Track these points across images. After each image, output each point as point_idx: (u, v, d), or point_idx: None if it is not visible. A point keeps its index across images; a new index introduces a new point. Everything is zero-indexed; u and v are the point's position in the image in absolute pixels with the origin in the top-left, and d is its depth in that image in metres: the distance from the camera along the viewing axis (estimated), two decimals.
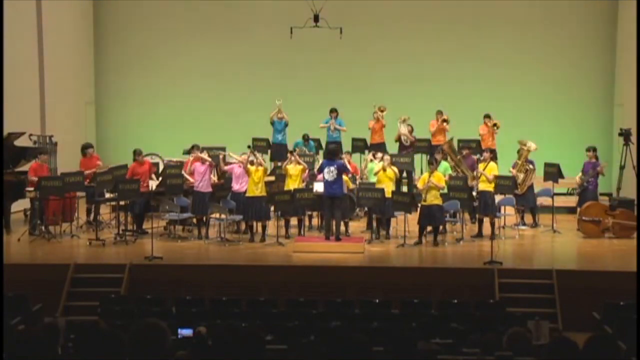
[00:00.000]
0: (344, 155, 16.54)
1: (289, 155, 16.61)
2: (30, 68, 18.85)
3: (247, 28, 21.56)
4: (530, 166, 16.61)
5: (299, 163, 15.94)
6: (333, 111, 19.07)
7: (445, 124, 18.72)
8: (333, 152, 15.48)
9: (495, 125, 18.53)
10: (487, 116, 18.71)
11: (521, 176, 16.49)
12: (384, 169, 15.57)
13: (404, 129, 18.63)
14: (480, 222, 15.82)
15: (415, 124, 18.89)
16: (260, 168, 15.45)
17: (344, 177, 15.29)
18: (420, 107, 20.07)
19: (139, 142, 16.99)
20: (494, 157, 17.58)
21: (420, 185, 15.29)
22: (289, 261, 14.19)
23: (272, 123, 19.08)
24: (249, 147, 16.09)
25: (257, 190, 15.32)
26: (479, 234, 15.70)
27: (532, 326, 10.28)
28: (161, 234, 15.91)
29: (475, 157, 16.50)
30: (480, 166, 15.84)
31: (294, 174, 15.77)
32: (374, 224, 15.76)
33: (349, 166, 15.76)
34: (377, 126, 18.96)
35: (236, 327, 6.06)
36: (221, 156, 16.54)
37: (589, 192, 16.52)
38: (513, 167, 16.76)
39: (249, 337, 5.41)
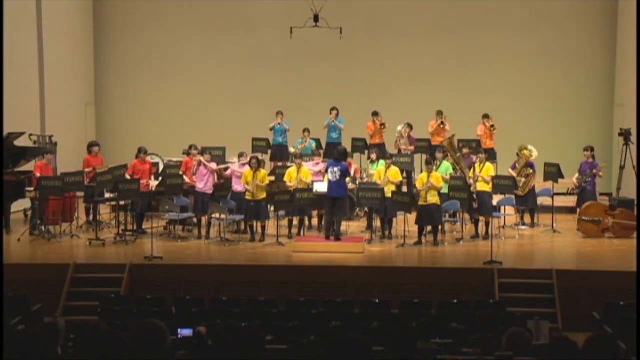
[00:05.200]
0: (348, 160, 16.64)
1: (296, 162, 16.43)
2: (30, 68, 18.85)
3: (247, 28, 21.55)
4: (530, 170, 16.59)
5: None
6: (333, 109, 19.07)
7: (442, 126, 18.68)
8: (343, 154, 15.43)
9: (492, 126, 18.53)
10: (486, 116, 18.70)
11: (522, 180, 16.50)
12: (389, 166, 15.62)
13: (403, 144, 18.52)
14: (477, 222, 15.83)
15: (415, 124, 18.87)
16: (259, 181, 15.37)
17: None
18: (420, 107, 20.08)
19: (139, 142, 16.97)
20: (491, 157, 17.59)
21: (419, 185, 15.32)
22: (289, 261, 14.19)
23: (273, 128, 19.02)
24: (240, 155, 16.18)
25: (253, 195, 15.33)
26: (477, 235, 15.72)
27: (532, 326, 10.28)
28: (161, 234, 15.91)
29: (473, 157, 16.50)
30: (477, 167, 15.88)
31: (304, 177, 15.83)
32: (376, 223, 15.78)
33: (351, 170, 15.77)
34: (377, 130, 18.83)
35: (236, 327, 6.06)
36: (222, 169, 16.51)
37: (588, 192, 16.51)
38: (512, 169, 16.76)
39: (249, 337, 5.42)
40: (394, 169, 15.80)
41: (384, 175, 15.63)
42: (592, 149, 16.81)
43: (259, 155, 17.11)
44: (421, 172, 18.23)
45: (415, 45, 21.36)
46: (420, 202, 15.07)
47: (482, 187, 15.63)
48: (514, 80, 21.19)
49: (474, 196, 15.56)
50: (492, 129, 18.52)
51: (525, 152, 16.76)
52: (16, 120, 16.93)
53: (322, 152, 17.96)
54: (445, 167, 16.06)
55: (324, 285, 13.15)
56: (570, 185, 17.76)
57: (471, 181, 15.81)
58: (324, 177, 15.56)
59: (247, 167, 15.64)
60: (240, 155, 16.18)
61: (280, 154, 18.95)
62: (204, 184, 15.67)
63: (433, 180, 15.04)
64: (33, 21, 18.88)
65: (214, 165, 15.89)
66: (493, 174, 15.93)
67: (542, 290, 12.93)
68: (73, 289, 13.17)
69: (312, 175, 15.98)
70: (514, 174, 16.55)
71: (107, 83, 22.05)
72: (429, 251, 14.90)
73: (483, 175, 15.63)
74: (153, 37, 21.76)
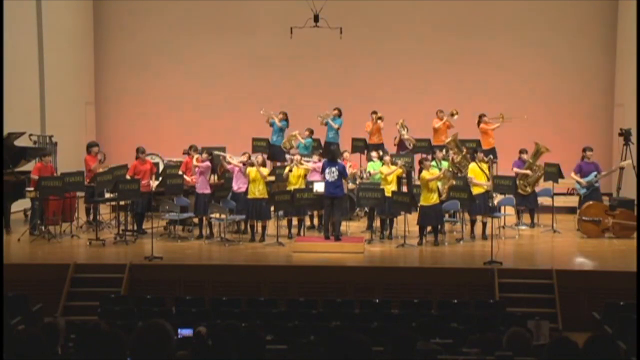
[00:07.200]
0: (344, 155, 16.62)
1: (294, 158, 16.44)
2: (30, 68, 18.86)
3: (247, 28, 21.57)
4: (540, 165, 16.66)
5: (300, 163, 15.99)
6: (335, 110, 19.05)
7: (452, 117, 18.73)
8: (333, 154, 15.49)
9: (501, 116, 18.57)
10: (482, 115, 18.75)
11: (534, 177, 16.49)
12: (389, 164, 15.63)
13: (406, 134, 18.59)
14: (473, 222, 15.80)
15: (415, 124, 18.88)
16: (262, 170, 15.42)
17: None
18: (420, 107, 20.09)
19: (139, 142, 16.98)
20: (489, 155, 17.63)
21: (428, 176, 15.03)
22: (289, 261, 14.19)
23: (272, 124, 19.08)
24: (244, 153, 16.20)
25: (257, 192, 15.35)
26: (473, 235, 15.69)
27: (532, 326, 10.28)
28: (161, 234, 15.92)
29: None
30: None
31: (298, 175, 15.82)
32: (376, 223, 15.77)
33: (347, 170, 15.74)
34: (375, 128, 18.91)
35: (236, 327, 6.06)
36: (222, 157, 16.58)
37: (598, 191, 16.51)
38: (516, 167, 16.75)
39: (249, 337, 5.42)
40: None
41: (395, 169, 15.58)
42: (592, 150, 16.86)
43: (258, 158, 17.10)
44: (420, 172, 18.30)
45: (415, 45, 21.36)
46: (426, 202, 14.99)
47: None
48: (514, 80, 21.19)
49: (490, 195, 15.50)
50: (501, 118, 18.55)
51: (544, 149, 16.80)
52: (16, 120, 16.93)
53: (321, 151, 17.96)
54: (443, 167, 16.05)
55: (324, 285, 13.15)
56: (571, 185, 17.75)
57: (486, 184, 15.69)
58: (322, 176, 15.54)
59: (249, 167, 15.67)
60: (243, 155, 16.19)
61: (275, 153, 18.89)
62: (199, 183, 15.63)
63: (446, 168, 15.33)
64: (33, 21, 18.88)
65: (207, 164, 15.77)
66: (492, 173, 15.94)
67: (542, 290, 12.93)
68: (73, 289, 13.17)
69: (310, 171, 15.97)
70: (520, 171, 16.51)
71: (107, 83, 22.06)
72: (429, 251, 14.90)
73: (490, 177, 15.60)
74: (153, 37, 21.77)
